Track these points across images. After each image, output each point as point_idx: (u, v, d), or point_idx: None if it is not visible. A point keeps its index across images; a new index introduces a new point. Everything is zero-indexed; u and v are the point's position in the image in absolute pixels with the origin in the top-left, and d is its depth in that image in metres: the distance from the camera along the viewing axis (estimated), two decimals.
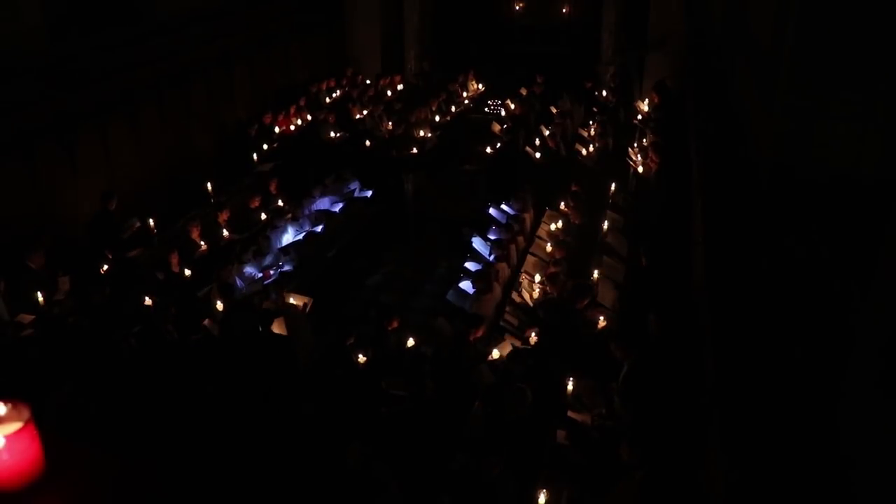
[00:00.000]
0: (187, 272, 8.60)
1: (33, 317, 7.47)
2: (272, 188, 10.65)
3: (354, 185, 11.32)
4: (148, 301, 7.86)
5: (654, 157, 10.18)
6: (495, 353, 7.10)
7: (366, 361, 7.13)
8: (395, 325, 7.64)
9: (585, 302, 7.37)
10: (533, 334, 7.39)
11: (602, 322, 7.21)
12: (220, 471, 5.69)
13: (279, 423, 6.49)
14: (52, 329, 7.35)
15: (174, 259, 8.49)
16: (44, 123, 9.35)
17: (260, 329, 7.46)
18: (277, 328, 7.51)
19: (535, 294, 8.27)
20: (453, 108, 14.98)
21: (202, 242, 9.29)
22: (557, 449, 5.69)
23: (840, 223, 4.79)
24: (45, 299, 7.64)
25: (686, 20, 14.01)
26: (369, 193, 11.34)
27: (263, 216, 10.16)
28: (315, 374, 7.20)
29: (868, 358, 3.23)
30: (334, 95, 14.89)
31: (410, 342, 7.43)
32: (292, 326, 7.56)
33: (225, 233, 9.64)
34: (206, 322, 7.64)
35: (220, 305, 7.86)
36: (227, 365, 7.14)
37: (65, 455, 2.03)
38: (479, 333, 7.22)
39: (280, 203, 10.45)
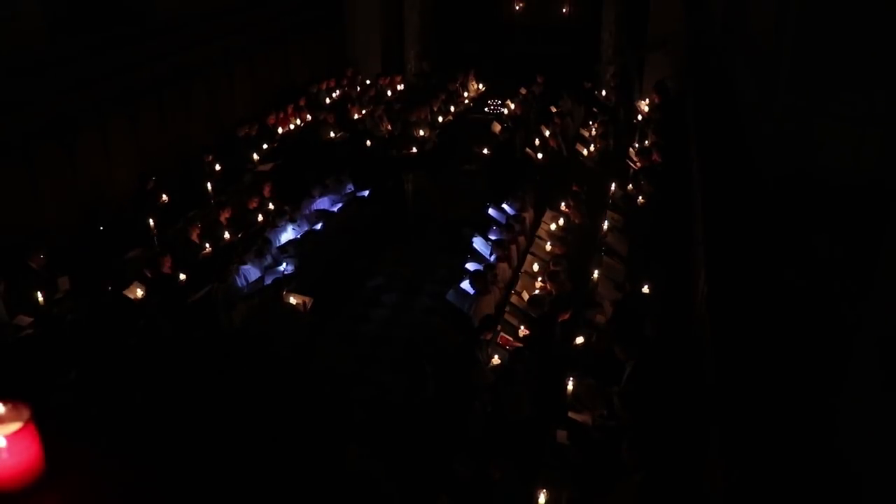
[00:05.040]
0: (182, 276, 8.54)
1: (32, 318, 7.44)
2: (266, 192, 10.61)
3: (350, 187, 11.31)
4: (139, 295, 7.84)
5: (655, 157, 10.19)
6: (496, 360, 7.10)
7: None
8: (489, 336, 7.29)
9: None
10: (522, 328, 7.47)
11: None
12: (219, 471, 5.69)
13: (282, 423, 6.49)
14: (53, 329, 7.34)
15: (167, 262, 8.45)
16: (44, 123, 9.34)
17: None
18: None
19: (537, 293, 8.26)
20: (453, 108, 14.96)
21: (206, 245, 9.27)
22: (557, 449, 5.68)
23: (840, 223, 4.79)
24: (45, 299, 7.63)
25: (686, 20, 14.02)
26: (366, 193, 11.34)
27: (260, 217, 10.14)
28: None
29: (868, 358, 3.23)
30: (334, 95, 14.87)
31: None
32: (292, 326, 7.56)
33: (227, 235, 9.62)
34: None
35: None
36: (226, 363, 7.14)
37: (65, 455, 2.03)
38: (489, 336, 7.22)
39: (271, 206, 10.40)
